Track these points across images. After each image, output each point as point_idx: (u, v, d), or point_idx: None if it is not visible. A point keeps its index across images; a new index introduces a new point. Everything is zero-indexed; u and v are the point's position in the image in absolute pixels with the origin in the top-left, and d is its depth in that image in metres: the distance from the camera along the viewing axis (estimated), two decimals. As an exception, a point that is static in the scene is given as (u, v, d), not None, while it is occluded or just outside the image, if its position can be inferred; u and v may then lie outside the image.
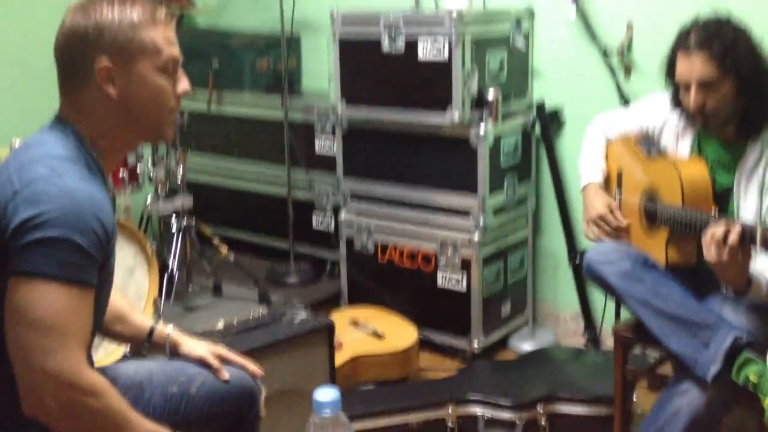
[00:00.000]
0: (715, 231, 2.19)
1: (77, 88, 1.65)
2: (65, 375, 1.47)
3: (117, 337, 1.98)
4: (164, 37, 1.67)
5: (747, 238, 2.14)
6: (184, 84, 1.72)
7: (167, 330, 1.98)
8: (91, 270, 1.53)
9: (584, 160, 2.86)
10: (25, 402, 1.50)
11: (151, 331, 1.96)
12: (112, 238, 1.62)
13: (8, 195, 1.51)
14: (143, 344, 1.96)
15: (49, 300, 1.47)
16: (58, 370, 1.47)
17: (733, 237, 2.14)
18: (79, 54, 1.62)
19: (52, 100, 1.74)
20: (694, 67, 2.37)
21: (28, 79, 3.94)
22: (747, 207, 2.40)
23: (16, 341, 1.48)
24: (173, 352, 1.96)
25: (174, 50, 1.69)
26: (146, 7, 1.66)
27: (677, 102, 2.53)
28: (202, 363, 1.93)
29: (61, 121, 1.67)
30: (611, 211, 2.70)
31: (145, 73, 1.65)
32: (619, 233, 2.69)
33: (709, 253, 2.21)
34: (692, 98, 2.39)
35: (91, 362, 1.72)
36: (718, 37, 2.35)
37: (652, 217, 2.60)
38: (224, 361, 1.96)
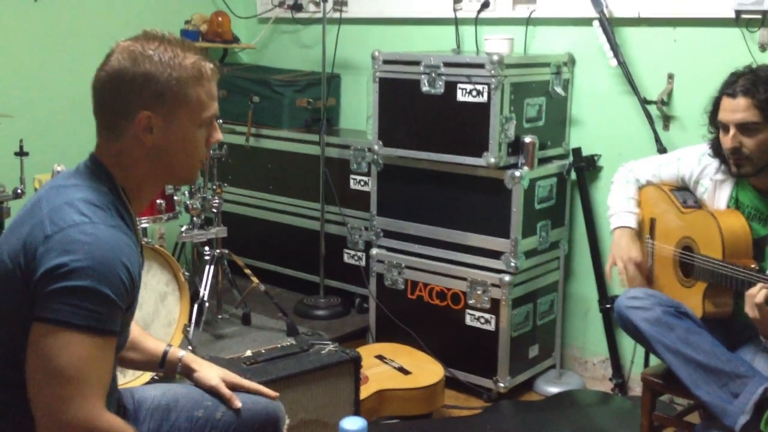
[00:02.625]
0: (760, 292, 2.20)
1: (114, 132, 1.64)
2: (83, 423, 1.48)
3: (132, 363, 1.98)
4: (208, 93, 1.67)
5: None
6: (217, 135, 1.73)
7: (179, 354, 1.97)
8: (116, 318, 1.54)
9: (615, 201, 2.85)
10: None
11: (165, 355, 1.97)
12: (138, 285, 1.63)
13: (40, 239, 1.51)
14: (157, 368, 1.97)
15: (72, 349, 1.47)
16: (77, 419, 1.48)
17: None
18: (121, 100, 1.62)
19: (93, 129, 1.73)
20: (736, 109, 2.39)
21: (74, 108, 4.01)
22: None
23: (37, 387, 1.49)
24: (185, 375, 1.96)
25: (215, 106, 1.70)
26: (195, 60, 1.65)
27: (717, 150, 2.53)
28: (213, 393, 1.91)
29: (96, 163, 1.67)
30: (634, 264, 2.71)
31: (184, 127, 1.65)
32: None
33: (753, 312, 2.22)
34: (730, 138, 2.41)
35: (115, 386, 1.75)
36: (765, 84, 2.37)
37: (688, 268, 2.59)
38: (237, 388, 1.95)
